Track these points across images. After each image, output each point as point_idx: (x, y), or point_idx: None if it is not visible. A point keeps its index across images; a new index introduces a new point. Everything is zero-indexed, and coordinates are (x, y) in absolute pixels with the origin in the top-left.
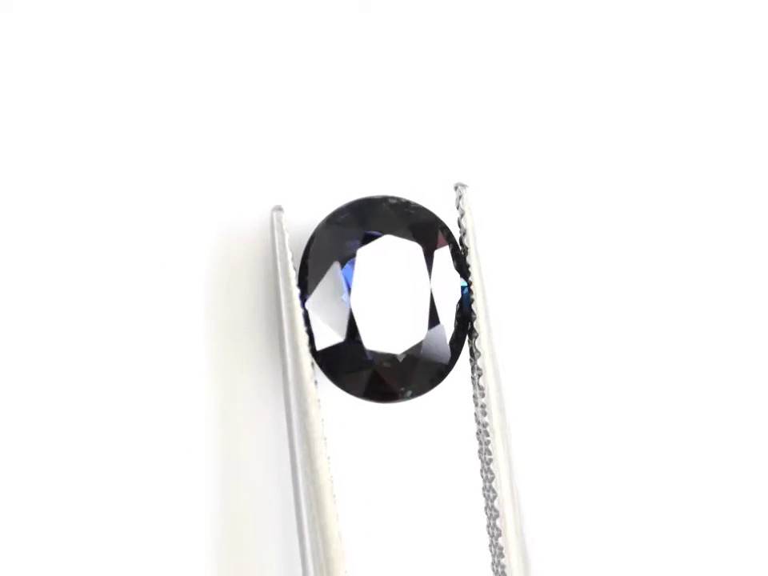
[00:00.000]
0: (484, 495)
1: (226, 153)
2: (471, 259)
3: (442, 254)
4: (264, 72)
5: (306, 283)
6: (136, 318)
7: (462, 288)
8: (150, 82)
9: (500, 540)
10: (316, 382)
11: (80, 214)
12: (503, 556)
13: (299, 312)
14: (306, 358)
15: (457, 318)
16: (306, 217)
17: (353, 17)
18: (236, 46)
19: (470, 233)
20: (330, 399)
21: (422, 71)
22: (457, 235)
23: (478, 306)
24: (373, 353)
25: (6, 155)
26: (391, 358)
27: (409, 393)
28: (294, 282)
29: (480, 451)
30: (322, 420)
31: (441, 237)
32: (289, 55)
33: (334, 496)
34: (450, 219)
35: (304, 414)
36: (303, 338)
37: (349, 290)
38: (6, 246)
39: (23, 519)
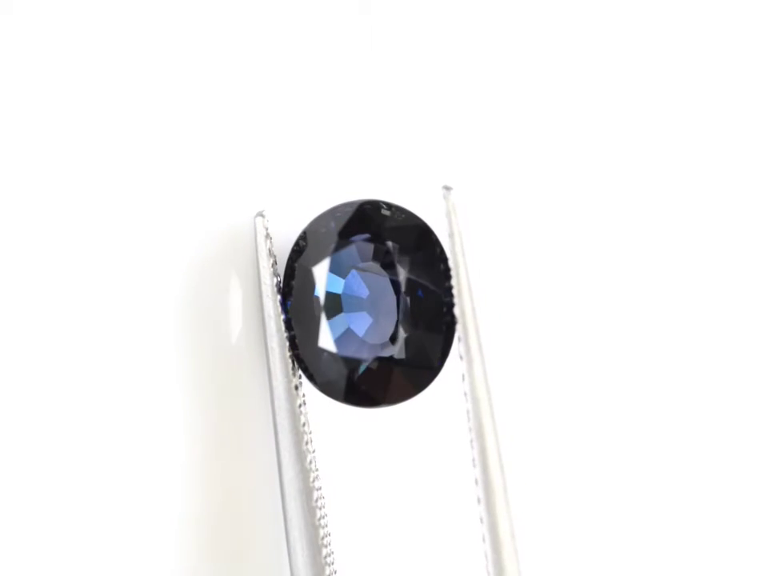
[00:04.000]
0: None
1: (209, 157)
2: (457, 262)
3: (428, 258)
4: (254, 75)
5: (289, 288)
6: (116, 322)
7: (449, 291)
8: (143, 83)
9: (491, 545)
10: (297, 387)
11: (60, 218)
12: (495, 561)
13: (281, 317)
14: (288, 363)
15: (443, 322)
16: (289, 222)
17: (353, 18)
18: (228, 48)
19: (456, 236)
20: (316, 404)
21: (412, 74)
22: (443, 238)
23: (464, 310)
24: (355, 358)
25: (4, 155)
26: (375, 362)
27: (392, 398)
28: (275, 287)
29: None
30: (304, 424)
31: (426, 240)
32: (282, 58)
33: (317, 500)
34: (435, 222)
35: (287, 419)
36: (285, 344)
37: (332, 294)
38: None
39: (11, 520)
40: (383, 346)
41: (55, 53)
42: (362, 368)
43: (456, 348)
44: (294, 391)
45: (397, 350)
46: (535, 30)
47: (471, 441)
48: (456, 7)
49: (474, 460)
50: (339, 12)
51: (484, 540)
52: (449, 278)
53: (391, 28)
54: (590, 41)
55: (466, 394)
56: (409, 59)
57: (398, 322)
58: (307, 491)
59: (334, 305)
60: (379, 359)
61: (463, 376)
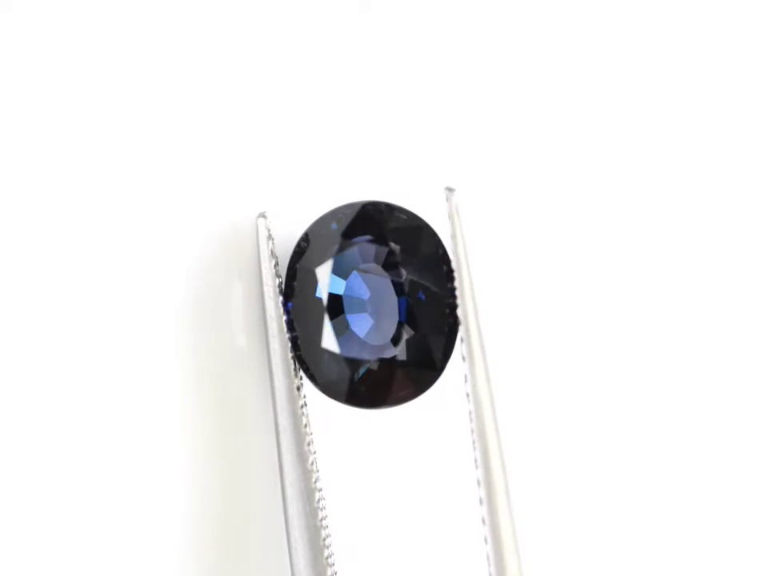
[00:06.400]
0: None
1: (210, 158)
2: (460, 263)
3: (430, 259)
4: (254, 74)
5: (291, 290)
6: (118, 323)
7: (451, 292)
8: (144, 83)
9: (493, 547)
10: (299, 388)
11: (63, 219)
12: (497, 562)
13: (283, 318)
14: (290, 365)
15: (446, 324)
16: (291, 223)
17: (353, 17)
18: (228, 47)
19: (458, 237)
20: (318, 405)
21: (414, 74)
22: (445, 239)
23: (467, 311)
24: (357, 359)
25: (4, 155)
26: (377, 363)
27: (395, 399)
28: (277, 288)
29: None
30: (306, 425)
31: (429, 241)
32: (282, 57)
33: (319, 501)
34: (438, 223)
35: (289, 420)
36: (286, 345)
37: (334, 296)
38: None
39: (11, 520)
40: (385, 347)
41: (59, 51)
42: (364, 369)
43: (458, 349)
44: (296, 392)
45: (399, 352)
46: (539, 28)
47: (473, 442)
48: (459, 5)
49: (476, 461)
50: (338, 10)
51: (486, 541)
52: (451, 279)
53: (391, 26)
54: (596, 43)
55: (468, 395)
56: (410, 59)
57: (399, 323)
58: (309, 492)
59: (336, 306)
60: (381, 360)
61: (465, 377)
